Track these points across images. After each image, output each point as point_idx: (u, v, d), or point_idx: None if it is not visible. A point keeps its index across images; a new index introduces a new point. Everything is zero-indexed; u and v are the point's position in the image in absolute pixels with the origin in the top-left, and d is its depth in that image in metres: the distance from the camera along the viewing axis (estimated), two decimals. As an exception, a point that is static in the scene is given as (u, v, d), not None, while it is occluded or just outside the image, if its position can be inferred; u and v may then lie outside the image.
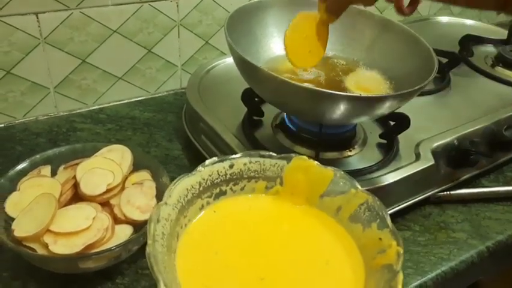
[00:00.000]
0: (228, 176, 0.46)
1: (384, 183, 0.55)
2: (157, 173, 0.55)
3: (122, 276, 0.50)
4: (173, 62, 0.81)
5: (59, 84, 0.72)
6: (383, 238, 0.41)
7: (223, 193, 0.46)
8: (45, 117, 0.73)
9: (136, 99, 0.80)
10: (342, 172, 0.46)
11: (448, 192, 0.63)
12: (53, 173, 0.54)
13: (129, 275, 0.50)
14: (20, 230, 0.46)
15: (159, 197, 0.52)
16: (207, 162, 0.45)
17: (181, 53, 0.81)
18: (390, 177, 0.56)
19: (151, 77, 0.80)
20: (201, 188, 0.44)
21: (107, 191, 0.51)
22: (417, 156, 0.60)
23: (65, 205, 0.50)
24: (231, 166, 0.46)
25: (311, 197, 0.47)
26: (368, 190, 0.52)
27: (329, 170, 0.46)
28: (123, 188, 0.53)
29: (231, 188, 0.47)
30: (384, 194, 0.55)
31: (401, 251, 0.39)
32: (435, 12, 1.12)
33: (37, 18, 0.66)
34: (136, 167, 0.56)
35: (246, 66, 0.53)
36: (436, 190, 0.62)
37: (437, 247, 0.57)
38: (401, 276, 0.37)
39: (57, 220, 0.47)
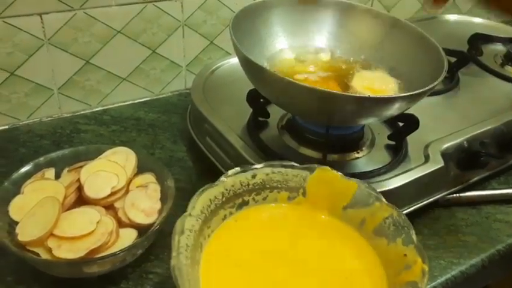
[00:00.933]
0: (251, 186, 0.46)
1: (392, 186, 0.54)
2: (161, 176, 0.54)
3: (127, 281, 0.50)
4: (177, 63, 0.80)
5: (63, 85, 0.72)
6: (408, 254, 0.40)
7: (245, 203, 0.46)
8: (49, 118, 0.73)
9: (141, 100, 0.79)
10: (367, 184, 0.46)
11: (458, 195, 0.62)
12: (57, 176, 0.54)
13: (133, 279, 0.50)
14: (23, 234, 0.46)
15: (164, 199, 0.52)
16: (230, 172, 0.45)
17: (185, 53, 0.80)
18: (399, 180, 0.55)
19: (155, 77, 0.79)
20: (224, 199, 0.44)
21: (112, 194, 0.51)
22: (427, 158, 0.59)
23: (69, 208, 0.50)
24: (254, 176, 0.46)
25: (334, 209, 0.47)
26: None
27: (353, 182, 0.46)
28: (127, 191, 0.52)
29: (253, 198, 0.46)
30: (393, 197, 0.54)
31: (427, 269, 0.38)
32: (443, 11, 1.10)
33: (41, 19, 0.65)
34: (141, 169, 0.55)
35: (251, 67, 0.52)
36: (445, 192, 0.61)
37: (447, 251, 0.56)
38: None
39: (61, 224, 0.47)
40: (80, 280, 0.49)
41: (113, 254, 0.45)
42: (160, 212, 0.50)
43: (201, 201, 0.42)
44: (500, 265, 0.58)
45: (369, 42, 0.65)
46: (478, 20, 1.02)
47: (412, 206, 0.58)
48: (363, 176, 0.54)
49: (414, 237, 0.41)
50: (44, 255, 0.45)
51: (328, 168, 0.47)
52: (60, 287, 0.48)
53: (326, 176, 0.46)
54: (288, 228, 0.47)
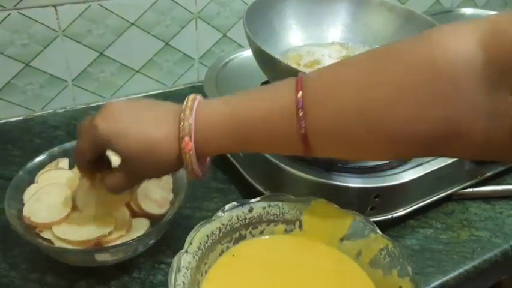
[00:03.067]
0: (248, 220, 0.46)
1: (405, 180, 0.53)
2: (174, 167, 0.54)
3: (139, 270, 0.50)
4: (190, 55, 0.80)
5: (77, 77, 0.72)
6: (403, 286, 0.41)
7: (242, 237, 0.46)
8: (63, 110, 0.74)
9: (153, 92, 0.80)
10: (362, 216, 0.46)
11: (471, 190, 0.61)
12: (71, 166, 0.54)
13: (145, 269, 0.50)
14: (36, 216, 0.47)
15: (176, 190, 0.52)
16: (227, 207, 0.45)
17: (198, 45, 0.80)
18: (411, 174, 0.55)
19: (168, 70, 0.79)
20: (221, 234, 0.44)
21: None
22: (440, 152, 0.58)
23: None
24: (250, 210, 0.46)
25: (331, 240, 0.47)
26: (388, 187, 0.52)
27: (349, 214, 0.46)
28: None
29: (250, 232, 0.46)
30: (406, 191, 0.54)
31: None
32: (459, 4, 1.09)
33: (56, 10, 0.66)
34: (153, 160, 0.55)
35: (264, 58, 0.52)
36: (459, 187, 0.60)
37: (460, 245, 0.55)
38: None
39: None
40: (93, 269, 0.49)
41: (126, 243, 0.46)
42: (173, 202, 0.51)
43: (197, 238, 0.41)
44: (514, 261, 0.57)
45: (383, 35, 0.64)
46: (494, 13, 1.00)
47: (425, 200, 0.57)
48: (375, 169, 0.54)
49: (409, 269, 0.41)
50: (58, 244, 0.46)
51: (324, 200, 0.47)
52: (73, 275, 0.49)
53: (321, 208, 0.46)
54: (285, 259, 0.46)
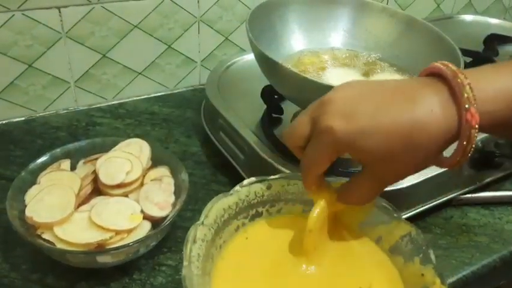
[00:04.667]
0: (265, 197, 0.45)
1: (405, 185, 0.54)
2: (175, 169, 0.55)
3: (140, 272, 0.50)
4: (192, 58, 0.81)
5: (80, 78, 0.73)
6: (425, 274, 0.39)
7: (259, 214, 0.45)
8: (65, 111, 0.74)
9: (156, 94, 0.80)
10: (385, 201, 0.44)
11: (471, 195, 0.61)
12: (73, 167, 0.54)
13: (146, 271, 0.50)
14: (39, 216, 0.47)
15: (177, 193, 0.52)
16: (245, 182, 0.44)
17: (200, 49, 0.80)
18: (412, 179, 0.55)
19: (170, 72, 0.80)
20: (238, 209, 0.43)
21: (127, 184, 0.51)
22: (440, 158, 0.58)
23: (85, 199, 0.50)
24: (269, 187, 0.45)
25: (350, 225, 0.45)
26: (387, 192, 0.52)
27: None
28: (142, 184, 0.53)
29: (267, 210, 0.45)
30: (406, 196, 0.55)
31: None
32: (459, 11, 1.09)
33: (59, 12, 0.66)
34: (155, 162, 0.56)
35: (267, 63, 0.53)
36: (459, 192, 0.60)
37: (459, 250, 0.55)
38: None
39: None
40: (94, 270, 0.50)
41: (127, 245, 0.46)
42: (174, 205, 0.51)
43: (214, 210, 0.40)
44: (513, 267, 0.57)
45: (384, 41, 0.65)
46: (494, 20, 1.01)
47: (425, 205, 0.57)
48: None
49: (433, 256, 0.39)
50: (59, 245, 0.46)
51: (343, 181, 0.44)
52: (74, 276, 0.49)
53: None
54: (302, 242, 0.43)
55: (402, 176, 0.37)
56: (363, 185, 0.37)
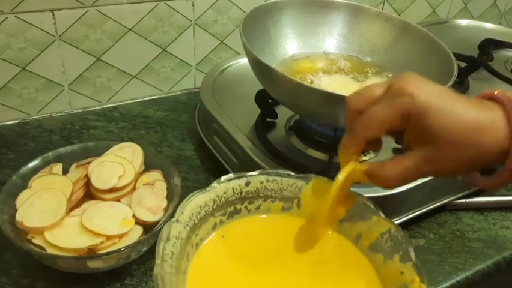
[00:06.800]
0: (244, 194, 0.44)
1: (399, 190, 0.53)
2: (168, 173, 0.54)
3: (131, 277, 0.50)
4: (187, 62, 0.80)
5: (74, 81, 0.72)
6: (405, 272, 0.38)
7: (237, 212, 0.44)
8: (58, 114, 0.73)
9: (150, 98, 0.80)
10: (365, 197, 0.44)
11: (465, 200, 0.61)
12: (65, 171, 0.54)
13: (138, 276, 0.50)
14: (29, 221, 0.46)
15: (170, 197, 0.52)
16: (223, 178, 0.43)
17: (195, 52, 0.80)
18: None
19: (165, 76, 0.80)
20: (215, 206, 0.42)
21: (119, 188, 0.51)
22: (434, 163, 0.58)
23: (76, 204, 0.50)
24: (247, 184, 0.44)
25: (330, 221, 0.44)
26: (382, 197, 0.52)
27: (350, 195, 0.43)
28: (134, 189, 0.52)
29: (245, 207, 0.44)
30: (400, 201, 0.54)
31: None
32: (455, 15, 1.10)
33: (53, 15, 0.66)
34: (148, 166, 0.55)
35: (260, 68, 0.52)
36: (452, 197, 0.60)
37: (452, 256, 0.55)
38: None
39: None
40: (85, 275, 0.49)
41: (118, 250, 0.45)
42: (166, 210, 0.51)
43: (190, 207, 0.39)
44: (507, 272, 0.57)
45: (379, 46, 0.65)
46: (489, 25, 1.01)
47: (419, 210, 0.57)
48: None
49: (412, 254, 0.39)
50: (50, 250, 0.46)
51: (324, 179, 0.44)
52: (65, 281, 0.49)
53: (321, 187, 0.44)
54: (279, 241, 0.44)
55: (444, 172, 0.38)
56: (403, 164, 0.37)
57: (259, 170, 0.45)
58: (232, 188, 0.43)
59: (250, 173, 0.44)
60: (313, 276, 0.42)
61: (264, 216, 0.45)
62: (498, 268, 0.56)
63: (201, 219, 0.41)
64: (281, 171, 0.45)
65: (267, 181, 0.45)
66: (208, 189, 0.42)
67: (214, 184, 0.42)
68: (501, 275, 0.57)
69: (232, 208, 0.44)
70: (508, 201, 0.63)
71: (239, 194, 0.44)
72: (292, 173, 0.45)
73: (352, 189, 0.43)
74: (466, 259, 0.55)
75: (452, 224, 0.60)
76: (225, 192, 0.43)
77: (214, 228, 0.43)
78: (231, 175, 0.43)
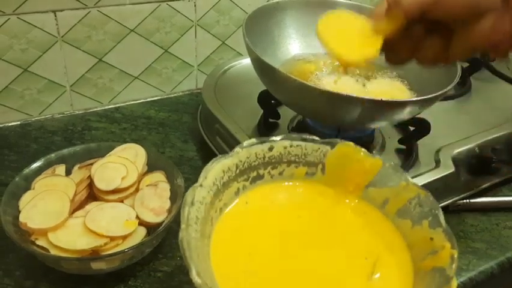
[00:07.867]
0: (267, 159, 0.43)
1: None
2: (171, 175, 0.54)
3: (135, 278, 0.50)
4: (189, 62, 0.80)
5: (76, 82, 0.72)
6: (434, 238, 0.37)
7: (260, 177, 0.43)
8: (61, 115, 0.73)
9: (152, 99, 0.80)
10: (392, 162, 0.42)
11: (468, 201, 0.61)
12: (68, 172, 0.54)
13: (142, 277, 0.50)
14: (33, 222, 0.46)
15: (173, 199, 0.52)
16: (245, 143, 0.42)
17: (197, 53, 0.80)
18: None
19: (167, 77, 0.79)
20: (238, 171, 0.41)
21: (123, 189, 0.51)
22: (437, 163, 0.58)
23: (80, 205, 0.50)
24: (271, 149, 0.43)
25: (355, 187, 0.44)
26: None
27: (378, 159, 0.42)
28: (137, 190, 0.52)
29: (269, 172, 0.43)
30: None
31: (456, 255, 0.35)
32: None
33: (55, 16, 0.66)
34: (151, 167, 0.55)
35: (263, 68, 0.52)
36: (456, 198, 0.60)
37: (456, 257, 0.55)
38: (454, 284, 0.33)
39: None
40: (89, 277, 0.49)
41: (122, 251, 0.45)
42: (169, 211, 0.51)
43: (213, 172, 0.39)
44: (510, 272, 0.57)
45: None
46: None
47: (422, 211, 0.57)
48: (373, 179, 0.54)
49: (442, 220, 0.38)
50: (53, 251, 0.46)
51: (351, 143, 0.43)
52: (68, 283, 0.48)
53: (347, 152, 0.43)
54: (304, 208, 0.43)
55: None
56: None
57: (282, 135, 0.44)
58: (255, 153, 0.42)
59: (274, 138, 0.43)
60: (337, 244, 0.41)
61: (288, 183, 0.44)
62: (502, 269, 0.55)
63: (224, 184, 0.40)
64: (305, 135, 0.44)
65: (291, 146, 0.43)
66: (231, 154, 0.41)
67: (237, 149, 0.41)
68: (505, 275, 0.57)
69: (255, 173, 0.43)
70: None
71: (262, 159, 0.43)
72: (317, 138, 0.44)
73: (378, 156, 0.42)
74: (469, 260, 0.55)
75: (456, 224, 0.60)
76: (247, 157, 0.42)
77: (237, 193, 0.42)
78: (253, 140, 0.42)
